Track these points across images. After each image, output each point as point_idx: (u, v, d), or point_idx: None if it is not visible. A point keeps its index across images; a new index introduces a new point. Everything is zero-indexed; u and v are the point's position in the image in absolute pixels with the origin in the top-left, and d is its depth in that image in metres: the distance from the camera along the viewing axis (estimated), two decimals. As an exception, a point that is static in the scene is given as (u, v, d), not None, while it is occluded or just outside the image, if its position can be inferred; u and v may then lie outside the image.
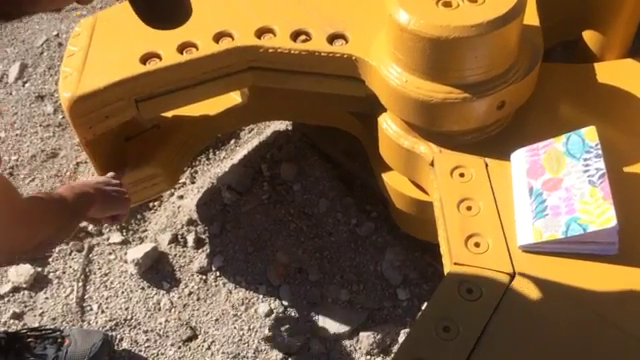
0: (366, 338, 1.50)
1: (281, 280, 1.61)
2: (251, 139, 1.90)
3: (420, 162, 1.27)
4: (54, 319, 1.58)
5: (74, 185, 1.23)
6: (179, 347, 1.53)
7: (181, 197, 1.80)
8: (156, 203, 1.79)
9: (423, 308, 1.50)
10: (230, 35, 1.36)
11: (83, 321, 1.58)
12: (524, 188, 1.13)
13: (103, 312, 1.59)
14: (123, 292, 1.63)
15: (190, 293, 1.61)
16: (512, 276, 1.04)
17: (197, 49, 1.34)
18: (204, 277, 1.64)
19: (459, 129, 1.23)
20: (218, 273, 1.64)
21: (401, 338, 1.50)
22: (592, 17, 1.51)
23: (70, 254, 1.70)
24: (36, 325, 1.56)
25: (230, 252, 1.67)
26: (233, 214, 1.73)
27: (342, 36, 1.32)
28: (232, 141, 1.92)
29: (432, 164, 1.23)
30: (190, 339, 1.54)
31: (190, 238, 1.69)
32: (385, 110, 1.31)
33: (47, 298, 1.63)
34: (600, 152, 1.09)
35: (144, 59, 1.34)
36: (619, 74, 1.38)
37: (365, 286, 1.59)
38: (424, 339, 0.98)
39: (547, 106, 1.32)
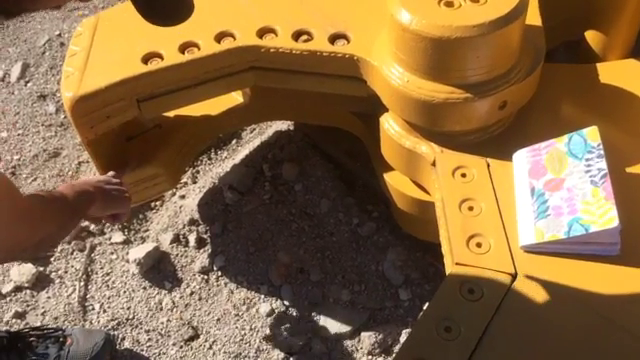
0: (367, 338, 1.50)
1: (282, 280, 1.61)
2: (253, 139, 1.90)
3: (422, 162, 1.27)
4: (56, 318, 1.59)
5: (75, 183, 1.24)
6: (181, 347, 1.53)
7: (183, 197, 1.80)
8: (158, 203, 1.79)
9: (424, 308, 1.50)
10: (232, 35, 1.36)
11: (85, 320, 1.59)
12: (526, 188, 1.13)
13: (105, 311, 1.60)
14: (125, 292, 1.63)
15: (192, 293, 1.62)
16: (514, 276, 1.04)
17: (199, 49, 1.34)
18: (206, 277, 1.64)
19: (461, 129, 1.22)
20: (220, 273, 1.64)
21: (402, 338, 1.50)
22: (595, 17, 1.50)
23: (72, 253, 1.71)
24: (38, 324, 1.56)
25: (232, 252, 1.67)
26: (235, 214, 1.73)
27: (344, 36, 1.31)
28: (234, 141, 1.92)
29: (434, 164, 1.23)
30: (192, 339, 1.54)
31: (192, 238, 1.70)
32: (387, 110, 1.31)
33: (49, 297, 1.63)
34: (602, 152, 1.09)
35: (146, 59, 1.34)
36: (621, 74, 1.38)
37: (367, 286, 1.59)
38: (425, 339, 0.98)
39: (549, 106, 1.31)
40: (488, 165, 1.20)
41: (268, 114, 1.70)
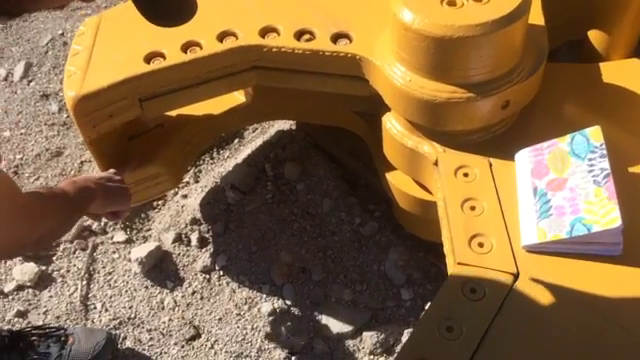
0: (369, 338, 1.50)
1: (284, 279, 1.61)
2: (255, 138, 1.90)
3: (424, 162, 1.27)
4: (58, 317, 1.59)
5: (76, 180, 1.23)
6: (182, 346, 1.53)
7: (185, 196, 1.80)
8: (160, 202, 1.80)
9: (426, 308, 1.50)
10: (234, 34, 1.36)
11: (87, 320, 1.59)
12: (528, 188, 1.12)
13: (107, 311, 1.60)
14: (127, 291, 1.63)
15: (193, 292, 1.62)
16: (516, 276, 1.03)
17: (201, 48, 1.34)
18: (207, 276, 1.64)
19: (463, 129, 1.22)
20: (222, 272, 1.64)
21: (404, 338, 1.50)
22: (598, 17, 1.50)
23: (74, 253, 1.71)
24: (40, 323, 1.56)
25: (234, 251, 1.67)
26: (237, 213, 1.73)
27: (346, 35, 1.31)
28: (236, 140, 1.92)
29: (436, 164, 1.23)
30: (193, 338, 1.54)
31: (194, 237, 1.70)
32: (389, 109, 1.31)
33: (51, 296, 1.63)
34: (605, 152, 1.09)
35: (148, 58, 1.34)
36: (624, 74, 1.37)
37: (368, 286, 1.59)
38: (427, 339, 0.98)
39: (552, 106, 1.31)
40: (490, 165, 1.20)
41: (270, 113, 1.70)
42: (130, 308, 1.60)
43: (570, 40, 1.61)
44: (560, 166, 1.12)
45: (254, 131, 1.93)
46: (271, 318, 1.55)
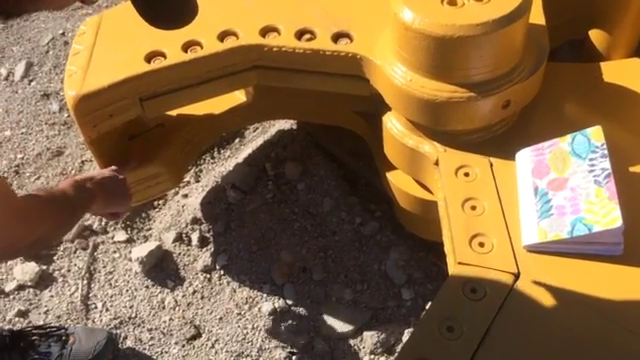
0: (370, 337, 1.50)
1: (285, 279, 1.61)
2: (256, 138, 1.90)
3: (425, 161, 1.27)
4: (59, 317, 1.59)
5: (77, 180, 1.22)
6: (183, 345, 1.53)
7: (185, 196, 1.80)
8: (161, 202, 1.80)
9: (427, 308, 1.50)
10: (235, 34, 1.36)
11: (87, 319, 1.59)
12: (529, 188, 1.12)
13: (107, 310, 1.60)
14: (127, 290, 1.63)
15: (194, 292, 1.62)
16: (516, 276, 1.03)
17: (202, 48, 1.34)
18: (208, 276, 1.64)
19: (464, 128, 1.22)
20: (222, 272, 1.64)
21: (405, 338, 1.50)
22: (599, 16, 1.50)
23: (75, 252, 1.71)
24: (41, 323, 1.56)
25: (234, 251, 1.67)
26: (237, 213, 1.73)
27: (347, 35, 1.31)
28: (237, 140, 1.92)
29: (437, 163, 1.23)
30: (194, 337, 1.54)
31: (194, 237, 1.70)
32: (390, 109, 1.31)
33: (52, 296, 1.63)
34: (606, 152, 1.09)
35: (149, 58, 1.34)
36: (625, 73, 1.37)
37: (369, 285, 1.59)
38: (428, 339, 0.98)
39: (553, 105, 1.31)
40: (491, 164, 1.20)
41: (271, 113, 1.70)
42: (131, 307, 1.60)
43: (571, 40, 1.60)
44: (561, 166, 1.12)
45: (255, 130, 1.93)
46: (272, 318, 1.55)
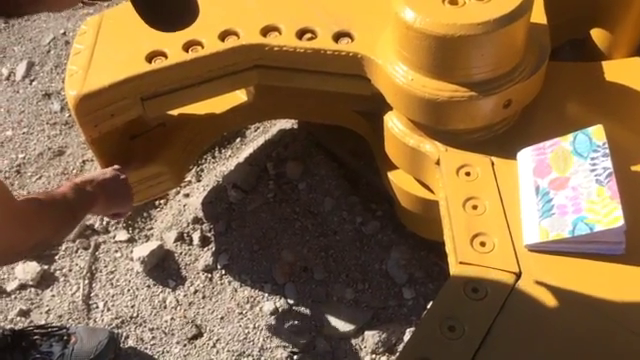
0: (371, 337, 1.50)
1: (286, 278, 1.61)
2: (257, 137, 1.90)
3: (426, 161, 1.27)
4: (60, 317, 1.59)
5: (78, 182, 1.22)
6: (184, 345, 1.53)
7: (187, 195, 1.80)
8: (162, 201, 1.80)
9: (428, 307, 1.50)
10: (236, 33, 1.36)
11: (89, 319, 1.59)
12: (530, 187, 1.12)
13: (109, 310, 1.60)
14: (129, 290, 1.63)
15: (196, 291, 1.62)
16: (518, 275, 1.03)
17: (203, 47, 1.34)
18: (209, 275, 1.64)
19: (465, 128, 1.22)
20: (223, 271, 1.64)
21: (406, 337, 1.50)
22: (600, 15, 1.50)
23: (76, 252, 1.71)
24: (42, 322, 1.56)
25: (235, 250, 1.67)
26: (239, 212, 1.73)
27: (348, 34, 1.31)
28: (238, 139, 1.92)
29: (438, 163, 1.22)
30: (195, 337, 1.55)
31: (196, 236, 1.70)
32: (391, 108, 1.31)
33: (53, 295, 1.63)
34: (607, 151, 1.09)
35: (150, 57, 1.34)
36: (627, 73, 1.37)
37: (370, 285, 1.59)
38: (429, 338, 0.98)
39: (554, 105, 1.31)
40: (492, 164, 1.20)
41: (272, 112, 1.70)
42: (132, 307, 1.60)
43: (572, 39, 1.60)
44: (562, 165, 1.11)
45: (256, 130, 1.93)
46: (273, 317, 1.55)
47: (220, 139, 1.90)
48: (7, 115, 2.04)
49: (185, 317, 1.58)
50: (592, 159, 1.09)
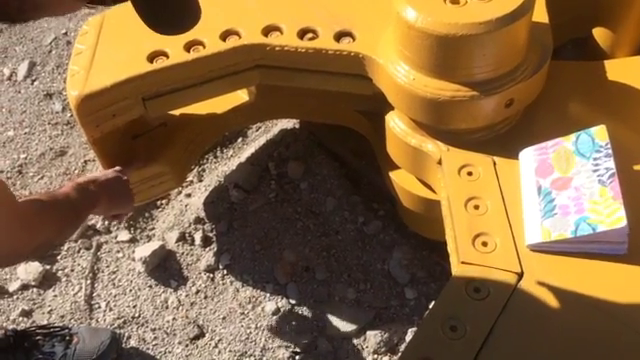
0: (373, 337, 1.50)
1: (288, 278, 1.61)
2: (258, 137, 1.90)
3: (427, 160, 1.27)
4: (62, 317, 1.59)
5: (80, 183, 1.22)
6: (186, 345, 1.53)
7: (189, 195, 1.80)
8: (164, 201, 1.80)
9: (430, 307, 1.49)
10: (237, 33, 1.36)
11: (91, 319, 1.59)
12: (532, 187, 1.12)
13: (111, 310, 1.60)
14: (131, 290, 1.63)
15: (197, 291, 1.62)
16: (520, 275, 1.03)
17: (204, 47, 1.34)
18: (211, 275, 1.64)
19: (467, 127, 1.22)
20: (225, 271, 1.64)
21: (408, 337, 1.49)
22: (602, 14, 1.49)
23: (78, 252, 1.71)
24: (45, 323, 1.56)
25: (237, 250, 1.67)
26: (240, 212, 1.73)
27: (349, 34, 1.31)
28: (239, 139, 1.92)
29: (440, 162, 1.22)
30: (197, 337, 1.55)
31: (197, 236, 1.70)
32: (392, 108, 1.31)
33: (56, 296, 1.63)
34: (610, 151, 1.08)
35: (151, 57, 1.34)
36: (630, 72, 1.37)
37: (372, 285, 1.59)
38: (431, 338, 0.98)
39: (556, 104, 1.31)
40: (494, 163, 1.19)
41: (274, 112, 1.70)
42: (134, 307, 1.60)
43: (575, 38, 1.60)
44: (565, 165, 1.11)
45: (257, 130, 1.93)
46: (275, 317, 1.55)
47: (222, 139, 1.90)
48: (9, 115, 2.05)
49: (187, 317, 1.58)
50: (595, 159, 1.09)
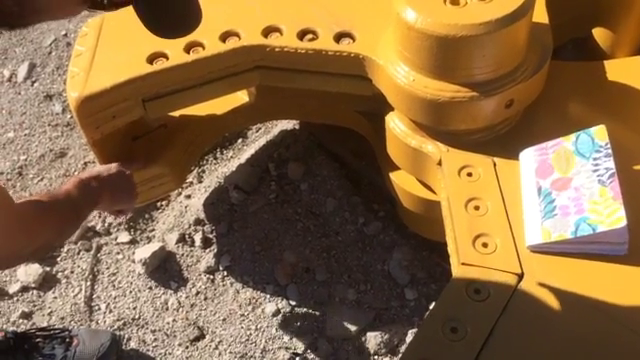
0: (373, 338, 1.49)
1: (288, 280, 1.61)
2: (258, 138, 1.90)
3: (427, 161, 1.27)
4: (62, 319, 1.59)
5: (82, 179, 1.21)
6: (186, 347, 1.53)
7: (188, 197, 1.80)
8: (164, 203, 1.80)
9: (431, 308, 1.49)
10: (237, 34, 1.36)
11: (91, 321, 1.59)
12: (533, 188, 1.12)
13: (111, 312, 1.60)
14: (131, 292, 1.63)
15: (197, 293, 1.62)
16: (520, 277, 1.03)
17: (204, 48, 1.34)
18: (211, 277, 1.64)
19: (467, 128, 1.22)
20: (225, 273, 1.64)
21: (408, 338, 1.49)
22: (602, 14, 1.49)
23: (78, 254, 1.71)
24: (45, 325, 1.56)
25: (237, 252, 1.67)
26: (240, 213, 1.73)
27: (349, 35, 1.31)
28: (239, 140, 1.92)
29: (440, 163, 1.22)
30: (197, 339, 1.54)
31: (197, 238, 1.69)
32: (392, 109, 1.30)
33: (55, 298, 1.63)
34: (610, 151, 1.08)
35: (151, 59, 1.34)
36: (629, 72, 1.36)
37: (372, 286, 1.59)
38: (431, 340, 0.98)
39: (556, 105, 1.30)
40: (494, 164, 1.19)
41: (273, 113, 1.70)
42: (134, 309, 1.60)
43: (575, 38, 1.60)
44: (565, 165, 1.11)
45: (257, 131, 1.93)
46: (275, 318, 1.55)
47: (221, 140, 1.90)
48: (9, 117, 2.05)
49: (187, 319, 1.58)
50: (594, 159, 1.09)
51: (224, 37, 1.35)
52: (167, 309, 1.60)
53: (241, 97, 1.61)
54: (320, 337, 1.52)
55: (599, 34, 1.51)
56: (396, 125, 1.31)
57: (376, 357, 1.48)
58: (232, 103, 1.60)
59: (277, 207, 1.74)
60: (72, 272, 1.68)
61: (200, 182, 1.83)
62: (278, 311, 1.56)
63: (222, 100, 1.51)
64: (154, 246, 1.67)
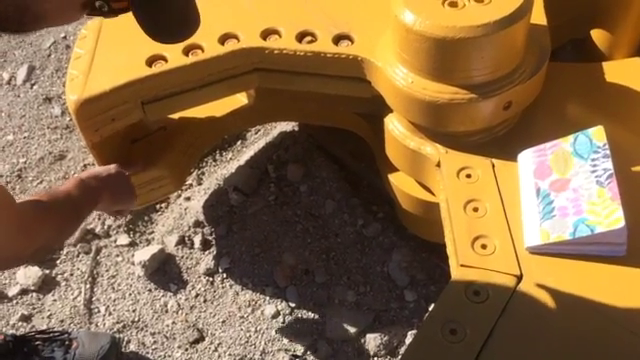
0: (373, 340, 1.50)
1: (288, 282, 1.61)
2: (257, 140, 1.90)
3: (426, 163, 1.27)
4: (62, 321, 1.59)
5: (82, 178, 1.21)
6: (186, 349, 1.53)
7: (188, 199, 1.80)
8: (163, 205, 1.80)
9: (430, 310, 1.49)
10: (236, 37, 1.36)
11: (91, 323, 1.59)
12: (531, 189, 1.12)
13: (110, 314, 1.60)
14: (130, 294, 1.63)
15: (197, 295, 1.62)
16: (519, 278, 1.03)
17: (203, 51, 1.34)
18: (211, 279, 1.64)
19: (465, 130, 1.22)
20: (225, 275, 1.64)
21: (408, 340, 1.49)
22: (600, 16, 1.49)
23: (78, 256, 1.71)
24: (44, 327, 1.56)
25: (237, 254, 1.67)
26: (240, 215, 1.73)
27: (347, 37, 1.31)
28: (238, 142, 1.92)
29: (438, 165, 1.22)
30: (197, 341, 1.54)
31: (197, 240, 1.70)
32: (391, 111, 1.31)
33: (55, 300, 1.63)
34: (608, 152, 1.08)
35: (150, 61, 1.34)
36: (628, 73, 1.37)
37: (372, 287, 1.59)
38: (431, 341, 0.98)
39: (554, 106, 1.31)
40: (493, 166, 1.19)
41: (272, 115, 1.70)
42: (134, 311, 1.60)
43: (573, 39, 1.60)
44: (563, 167, 1.11)
45: (256, 133, 1.93)
46: (275, 320, 1.55)
47: (221, 142, 1.90)
48: (8, 119, 2.05)
49: (186, 321, 1.58)
50: (593, 160, 1.09)
51: (223, 40, 1.36)
52: (167, 311, 1.60)
53: (240, 99, 1.61)
54: (320, 339, 1.52)
55: (597, 36, 1.52)
56: (395, 127, 1.31)
57: (376, 359, 1.48)
58: (231, 105, 1.60)
59: (276, 209, 1.74)
60: (71, 275, 1.68)
61: (199, 184, 1.83)
62: (277, 313, 1.56)
63: (221, 102, 1.51)
64: (153, 248, 1.67)
